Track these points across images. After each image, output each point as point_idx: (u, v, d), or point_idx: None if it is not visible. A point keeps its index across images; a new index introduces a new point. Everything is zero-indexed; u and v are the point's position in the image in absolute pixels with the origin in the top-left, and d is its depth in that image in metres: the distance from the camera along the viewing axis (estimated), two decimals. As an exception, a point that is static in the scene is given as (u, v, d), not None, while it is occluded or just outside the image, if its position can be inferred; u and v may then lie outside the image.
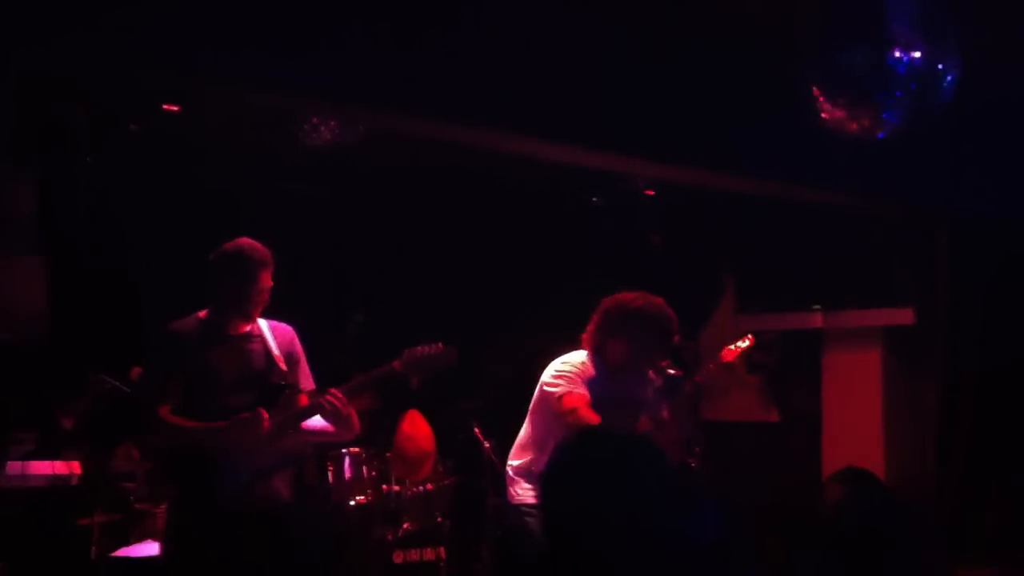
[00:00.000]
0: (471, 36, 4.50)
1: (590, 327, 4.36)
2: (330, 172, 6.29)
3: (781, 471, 7.00)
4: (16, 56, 3.85)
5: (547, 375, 4.26)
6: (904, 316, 6.92)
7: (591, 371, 4.25)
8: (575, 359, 4.29)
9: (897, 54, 4.26)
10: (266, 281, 3.95)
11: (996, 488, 6.39)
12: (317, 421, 3.97)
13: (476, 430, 6.04)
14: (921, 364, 6.85)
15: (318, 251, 6.37)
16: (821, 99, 4.40)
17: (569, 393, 4.13)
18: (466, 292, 6.63)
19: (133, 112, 5.42)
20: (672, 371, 4.34)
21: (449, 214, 6.69)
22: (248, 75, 4.08)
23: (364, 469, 5.74)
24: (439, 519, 5.86)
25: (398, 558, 5.60)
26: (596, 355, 4.30)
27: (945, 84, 4.32)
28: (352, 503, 5.64)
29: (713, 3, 4.82)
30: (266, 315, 4.07)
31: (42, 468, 4.96)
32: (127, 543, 5.01)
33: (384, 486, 5.79)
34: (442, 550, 5.84)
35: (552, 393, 4.17)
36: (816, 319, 7.32)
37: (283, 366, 3.95)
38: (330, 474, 5.63)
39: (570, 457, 2.14)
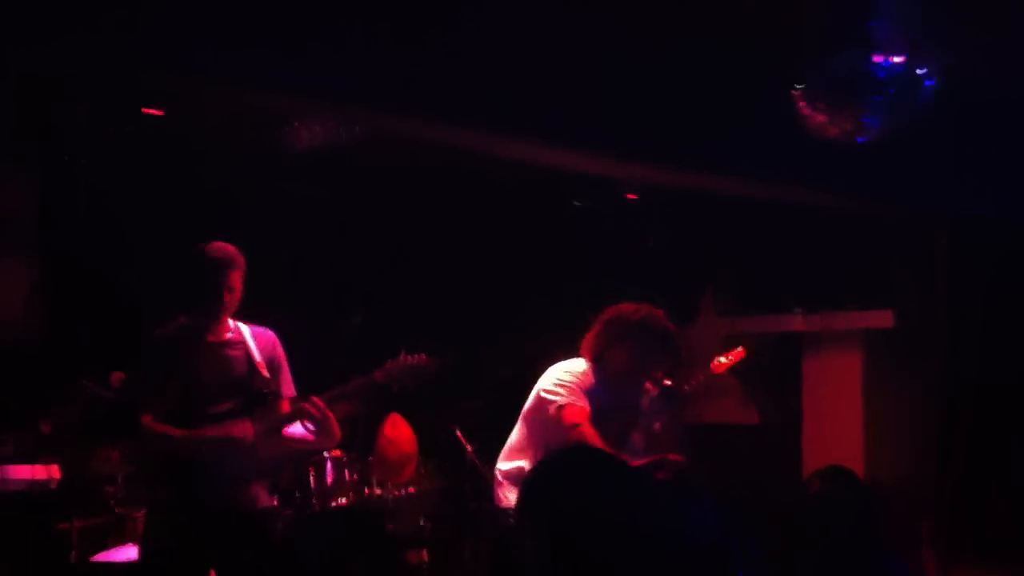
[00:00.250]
0: (470, 36, 4.48)
1: (590, 336, 4.36)
2: (328, 173, 6.27)
3: (762, 473, 7.01)
4: (16, 56, 3.82)
5: (546, 382, 4.25)
6: (884, 319, 6.95)
7: (591, 380, 4.25)
8: (575, 368, 4.29)
9: (878, 59, 4.29)
10: (234, 282, 3.91)
11: (995, 489, 6.41)
12: (298, 428, 3.96)
13: (458, 433, 6.03)
14: (903, 366, 6.88)
15: (317, 252, 6.34)
16: (802, 103, 4.43)
17: (571, 405, 4.12)
18: (463, 294, 6.62)
19: (132, 112, 5.38)
20: (668, 383, 4.37)
21: (447, 215, 6.67)
22: (247, 75, 4.07)
23: (346, 472, 5.72)
24: (421, 522, 5.85)
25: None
26: (595, 364, 4.30)
27: (925, 88, 4.35)
28: (334, 507, 5.62)
29: (708, 4, 4.82)
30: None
31: (21, 472, 4.93)
32: (106, 547, 4.99)
33: (366, 489, 5.78)
34: (424, 553, 5.84)
35: (552, 402, 4.16)
36: (798, 322, 7.35)
37: (265, 372, 3.94)
38: (312, 478, 5.61)
39: (562, 466, 2.14)
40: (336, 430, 3.93)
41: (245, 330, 4.01)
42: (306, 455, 5.35)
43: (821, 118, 4.50)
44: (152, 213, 5.75)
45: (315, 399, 3.86)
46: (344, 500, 5.65)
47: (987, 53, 4.89)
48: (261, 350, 3.97)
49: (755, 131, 5.23)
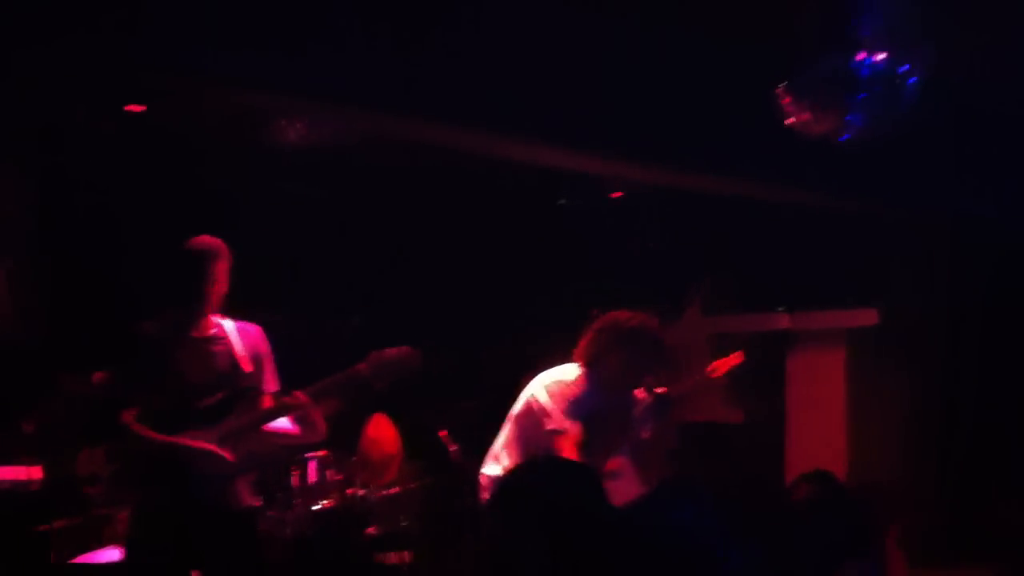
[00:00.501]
0: (467, 36, 4.46)
1: (583, 343, 4.36)
2: (328, 173, 6.25)
3: (746, 471, 7.03)
4: (16, 56, 3.80)
5: (539, 391, 4.26)
6: (869, 317, 6.97)
7: (582, 386, 4.26)
8: (568, 376, 4.30)
9: (861, 57, 4.30)
10: (218, 275, 3.90)
11: (995, 488, 6.42)
12: (282, 423, 3.94)
13: (442, 434, 6.00)
14: (887, 364, 6.90)
15: (316, 252, 6.32)
16: (787, 101, 4.44)
17: (563, 425, 4.14)
18: (462, 294, 6.61)
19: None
20: (661, 391, 4.38)
21: (447, 215, 6.66)
22: (245, 75, 4.05)
23: (329, 473, 5.71)
24: (405, 523, 5.82)
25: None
26: (588, 370, 4.30)
27: (909, 86, 4.37)
28: (317, 507, 5.60)
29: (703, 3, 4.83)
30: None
31: (3, 473, 4.89)
32: (87, 549, 4.95)
33: (349, 490, 5.75)
34: (407, 554, 5.81)
35: (547, 414, 4.17)
36: (783, 320, 7.37)
37: (247, 367, 3.92)
38: (294, 478, 5.58)
39: (541, 472, 2.14)
40: (321, 425, 3.93)
41: (229, 325, 3.99)
42: (292, 451, 5.33)
43: (806, 116, 4.51)
44: (151, 213, 5.73)
45: (298, 393, 3.85)
46: (328, 501, 5.64)
47: (987, 54, 4.91)
48: (245, 345, 3.96)
49: (755, 131, 5.23)
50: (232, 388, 3.88)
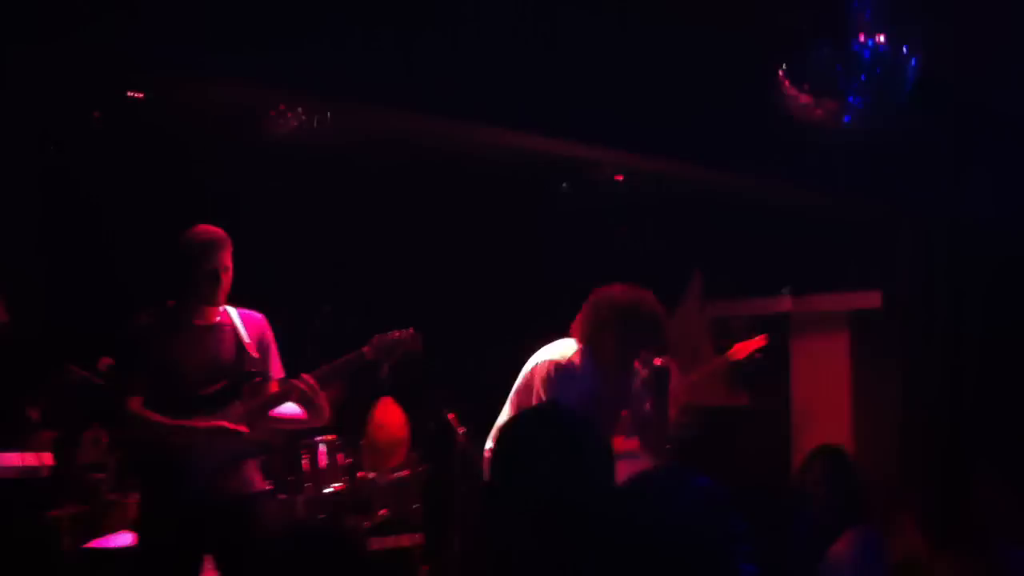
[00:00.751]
0: (456, 26, 4.47)
1: (579, 319, 4.37)
2: (324, 169, 6.25)
3: (751, 454, 7.05)
4: (16, 56, 3.83)
5: (541, 366, 4.27)
6: (872, 299, 6.98)
7: (581, 362, 4.27)
8: (567, 351, 4.31)
9: (861, 39, 4.31)
10: (221, 262, 3.91)
11: (987, 475, 6.43)
12: (287, 408, 3.98)
13: (450, 416, 6.04)
14: (891, 347, 6.91)
15: (314, 251, 6.33)
16: (786, 85, 4.45)
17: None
18: (462, 294, 6.62)
19: (131, 111, 5.38)
20: (659, 362, 4.35)
21: (447, 214, 6.67)
22: (241, 72, 4.08)
23: (339, 457, 5.76)
24: (414, 506, 5.88)
25: (374, 545, 5.62)
26: (585, 346, 4.32)
27: (909, 69, 4.37)
28: (327, 491, 5.65)
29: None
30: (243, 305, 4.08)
31: (11, 460, 4.93)
32: (99, 534, 5.00)
33: (359, 473, 5.81)
34: (418, 536, 5.86)
35: (546, 389, 4.18)
36: (785, 303, 7.37)
37: (254, 354, 3.96)
38: (305, 461, 5.63)
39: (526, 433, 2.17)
40: (327, 409, 3.96)
41: (233, 313, 4.02)
42: (298, 436, 5.38)
43: (806, 99, 4.52)
44: (148, 210, 5.75)
45: (305, 376, 3.89)
46: (338, 485, 5.69)
47: (987, 53, 4.91)
48: (250, 332, 3.99)
49: (753, 132, 5.25)
50: (238, 375, 3.91)
